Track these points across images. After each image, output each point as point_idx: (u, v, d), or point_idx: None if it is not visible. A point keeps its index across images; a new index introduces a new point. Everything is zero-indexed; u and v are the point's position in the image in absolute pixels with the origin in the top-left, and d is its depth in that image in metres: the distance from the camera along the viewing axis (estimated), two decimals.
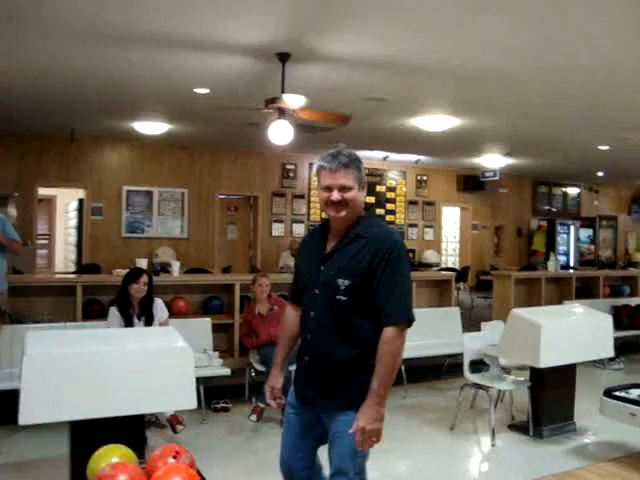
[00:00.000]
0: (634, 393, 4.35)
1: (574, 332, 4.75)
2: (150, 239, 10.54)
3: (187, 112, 7.97)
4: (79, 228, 10.90)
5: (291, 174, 12.07)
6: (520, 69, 5.75)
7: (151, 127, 8.64)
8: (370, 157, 11.96)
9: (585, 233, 15.18)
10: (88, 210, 10.19)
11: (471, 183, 13.63)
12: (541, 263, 13.77)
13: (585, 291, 9.12)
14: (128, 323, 4.68)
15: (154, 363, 3.00)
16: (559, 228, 14.39)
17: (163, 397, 3.08)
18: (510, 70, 5.79)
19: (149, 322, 4.78)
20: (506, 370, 5.23)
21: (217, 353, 5.45)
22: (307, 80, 6.02)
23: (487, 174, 12.90)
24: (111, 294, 5.81)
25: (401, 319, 2.39)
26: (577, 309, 5.32)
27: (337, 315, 2.43)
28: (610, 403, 4.27)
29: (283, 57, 5.37)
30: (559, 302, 8.54)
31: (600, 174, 13.79)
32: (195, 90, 6.69)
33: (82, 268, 9.08)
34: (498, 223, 14.54)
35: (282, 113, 5.51)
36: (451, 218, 14.78)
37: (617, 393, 4.33)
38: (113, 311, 4.75)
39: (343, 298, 2.40)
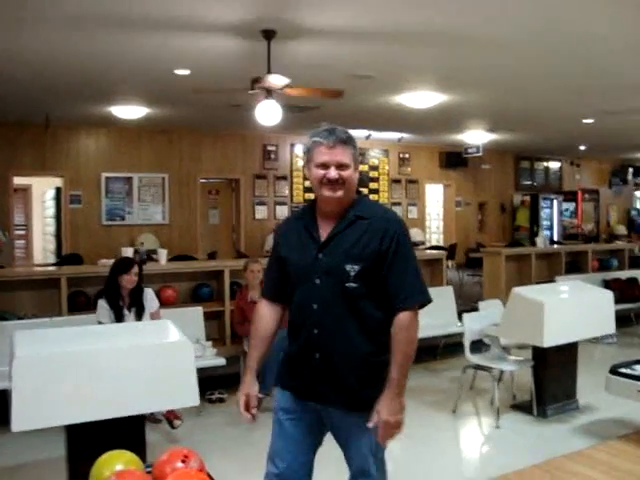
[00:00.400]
0: None
1: (576, 309, 4.67)
2: (131, 226, 10.29)
3: (167, 95, 7.71)
4: (57, 217, 10.62)
5: (272, 155, 11.85)
6: (506, 38, 5.55)
7: (129, 111, 8.37)
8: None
9: (567, 207, 15.19)
10: (66, 198, 9.91)
11: (454, 160, 13.53)
12: (525, 239, 13.78)
13: (574, 265, 9.10)
14: (118, 315, 4.51)
15: (153, 359, 2.83)
16: (542, 203, 14.37)
17: (163, 395, 2.92)
18: (496, 40, 5.58)
19: (140, 313, 4.61)
20: (506, 349, 5.15)
21: (210, 343, 5.30)
22: (293, 58, 5.82)
23: (470, 150, 12.80)
24: (97, 285, 5.62)
25: (419, 301, 2.27)
26: (577, 286, 5.24)
27: (348, 305, 2.24)
28: (617, 380, 4.19)
29: (268, 34, 5.16)
30: (550, 278, 8.51)
31: (582, 148, 13.76)
32: (175, 71, 6.45)
33: (64, 259, 8.83)
34: (481, 199, 14.48)
35: (269, 93, 5.32)
36: (434, 195, 14.69)
37: (623, 370, 4.25)
38: (102, 303, 4.57)
39: (354, 285, 2.22)
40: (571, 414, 4.83)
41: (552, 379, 4.76)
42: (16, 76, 6.61)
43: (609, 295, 4.89)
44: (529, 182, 15.08)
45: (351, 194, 2.30)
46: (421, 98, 8.03)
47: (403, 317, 2.22)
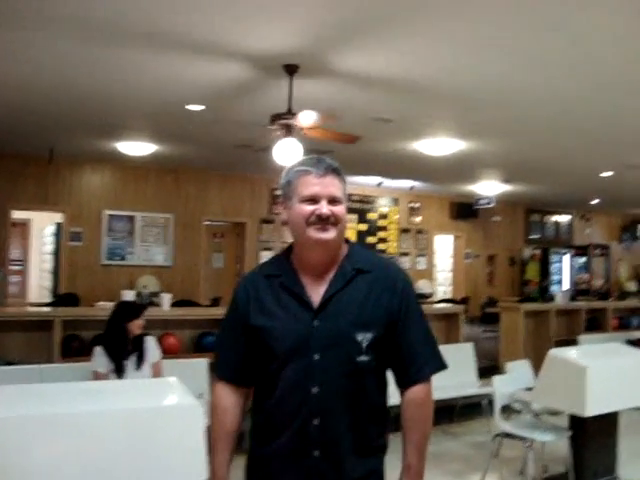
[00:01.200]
0: None
1: (620, 374, 4.24)
2: (132, 267, 9.89)
3: (177, 132, 7.42)
4: (56, 254, 10.23)
5: (280, 200, 11.51)
6: (528, 88, 5.39)
7: (136, 148, 8.08)
8: (362, 183, 11.56)
9: (578, 262, 14.83)
10: (66, 235, 9.53)
11: (464, 211, 13.24)
12: (535, 293, 13.39)
13: (593, 323, 8.70)
14: (118, 365, 4.09)
15: (157, 426, 2.40)
16: (553, 257, 14.02)
17: (166, 469, 2.48)
18: (518, 90, 5.44)
19: (139, 363, 4.19)
20: (537, 415, 4.71)
21: None
22: (311, 97, 5.53)
23: (481, 201, 12.53)
24: (93, 330, 5.22)
25: (435, 370, 1.87)
26: (616, 348, 4.84)
27: (357, 384, 1.79)
28: None
29: (291, 69, 4.89)
30: (569, 336, 8.12)
31: (594, 202, 13.49)
32: (187, 107, 6.17)
33: (60, 298, 8.41)
34: (491, 252, 14.13)
35: (289, 131, 5.00)
36: (443, 247, 14.35)
37: None
38: (99, 351, 4.15)
39: (365, 358, 1.78)
40: None
41: (592, 451, 4.31)
42: (21, 107, 6.34)
43: None
44: (539, 235, 14.76)
45: (342, 240, 1.87)
46: (439, 145, 7.76)
47: (419, 391, 1.84)
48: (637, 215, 15.73)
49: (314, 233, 1.78)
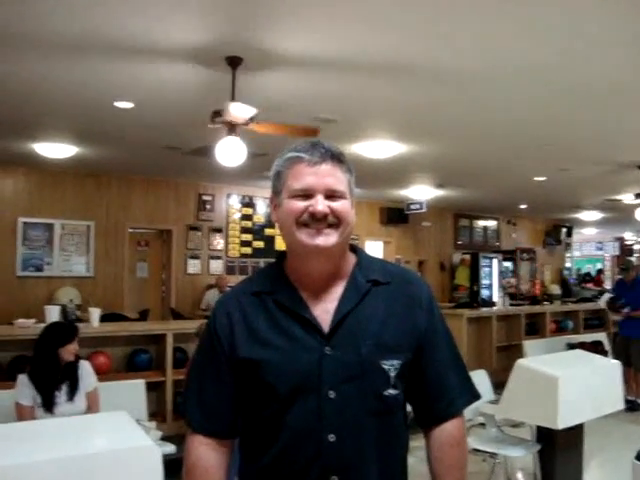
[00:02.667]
0: None
1: (587, 384, 4.07)
2: (50, 278, 9.13)
3: (102, 132, 6.84)
4: None
5: (208, 206, 11.03)
6: (474, 86, 5.22)
7: (55, 149, 7.41)
8: None
9: (507, 266, 15.00)
10: None
11: (395, 216, 13.11)
12: (465, 298, 13.40)
13: (532, 327, 8.67)
14: (46, 397, 3.55)
15: (110, 473, 1.98)
16: (482, 261, 14.09)
17: None
18: (464, 86, 5.23)
19: (72, 392, 3.67)
20: (499, 428, 4.49)
21: (154, 424, 4.39)
22: (256, 94, 5.15)
23: (413, 207, 12.44)
24: (12, 351, 4.66)
25: (470, 402, 1.56)
26: (579, 355, 4.69)
27: (384, 425, 1.43)
28: None
29: (234, 62, 4.49)
30: (510, 341, 8.05)
31: (523, 207, 13.68)
32: (116, 104, 5.65)
33: None
34: (421, 257, 14.07)
35: (232, 129, 4.60)
36: (373, 252, 14.18)
37: None
38: (23, 380, 3.59)
39: (394, 392, 1.43)
40: None
41: (561, 464, 4.12)
42: None
43: (617, 367, 4.34)
44: (468, 240, 14.84)
45: (346, 246, 1.50)
46: (378, 148, 7.53)
47: (452, 428, 1.51)
48: (560, 219, 16.11)
49: (306, 238, 1.41)
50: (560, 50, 4.36)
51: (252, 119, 4.55)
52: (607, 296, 7.36)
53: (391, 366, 1.42)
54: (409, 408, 1.54)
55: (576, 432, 4.16)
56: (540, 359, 4.42)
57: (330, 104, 5.79)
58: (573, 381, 3.91)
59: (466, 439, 1.55)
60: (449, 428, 1.50)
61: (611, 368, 4.32)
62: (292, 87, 5.18)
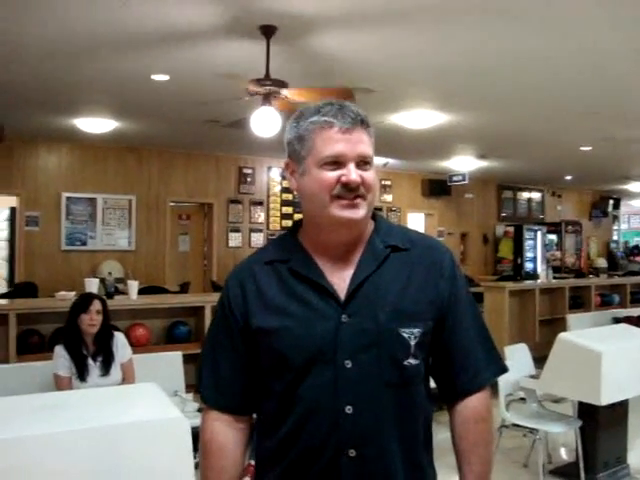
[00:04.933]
0: None
1: (633, 359, 3.94)
2: (93, 252, 9.30)
3: (140, 105, 6.86)
4: (11, 241, 9.55)
5: (249, 179, 11.03)
6: (515, 57, 5.09)
7: (96, 124, 7.48)
8: None
9: (551, 239, 14.68)
10: (22, 220, 8.88)
11: (437, 188, 12.92)
12: (509, 271, 13.18)
13: (576, 301, 8.46)
14: (80, 367, 3.60)
15: (136, 445, 1.97)
16: (526, 234, 13.80)
17: None
18: (504, 59, 5.14)
19: (107, 364, 3.71)
20: (540, 403, 4.40)
21: (191, 395, 4.41)
22: (290, 64, 5.07)
23: (455, 178, 12.21)
24: (54, 323, 4.75)
25: (496, 375, 1.49)
26: (625, 330, 4.54)
27: (405, 398, 1.37)
28: None
29: (268, 30, 4.41)
30: (553, 314, 7.88)
31: (568, 178, 13.32)
32: (153, 77, 5.64)
33: (17, 288, 7.82)
34: (463, 230, 13.86)
35: (267, 98, 4.54)
36: (415, 225, 14.03)
37: None
38: (60, 351, 3.65)
39: (415, 362, 1.37)
40: None
41: (603, 441, 4.02)
42: None
43: None
44: (511, 212, 14.55)
45: (370, 215, 1.43)
46: (418, 118, 7.37)
47: (477, 403, 1.43)
48: (606, 192, 15.65)
49: (340, 211, 1.34)
50: (610, 14, 4.17)
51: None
52: None
53: (411, 334, 1.35)
54: (433, 384, 1.48)
55: (620, 409, 4.05)
56: (583, 333, 4.29)
57: (369, 72, 5.65)
58: (617, 356, 3.79)
59: (492, 415, 1.48)
60: (474, 402, 1.43)
61: None
62: (328, 54, 5.06)
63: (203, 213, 10.90)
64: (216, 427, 1.45)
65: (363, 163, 1.35)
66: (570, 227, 15.05)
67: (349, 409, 1.32)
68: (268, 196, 11.21)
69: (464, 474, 1.43)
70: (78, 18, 4.26)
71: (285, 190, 11.31)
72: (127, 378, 3.81)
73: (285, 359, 1.36)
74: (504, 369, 1.49)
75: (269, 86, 4.40)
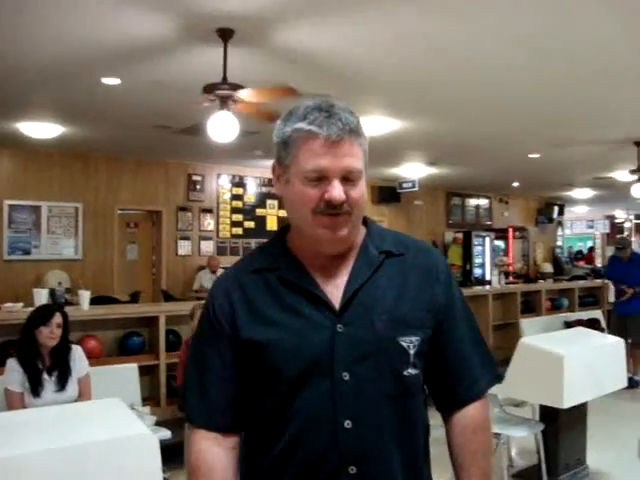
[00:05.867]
0: None
1: (593, 362, 3.99)
2: (38, 262, 8.96)
3: (89, 110, 6.64)
4: None
5: (198, 186, 10.86)
6: (462, 70, 5.19)
7: (41, 129, 7.21)
8: None
9: (499, 245, 14.95)
10: None
11: (387, 195, 12.97)
12: (457, 278, 13.34)
13: (527, 306, 8.61)
14: (34, 382, 3.42)
15: (107, 463, 1.86)
16: (474, 240, 14.01)
17: None
18: (452, 70, 5.21)
19: (63, 379, 3.54)
20: (502, 408, 4.41)
21: (148, 409, 4.28)
22: (247, 68, 4.99)
23: (405, 185, 12.31)
24: (1, 336, 4.52)
25: (493, 382, 1.43)
26: (584, 333, 4.60)
27: (405, 410, 1.32)
28: None
29: (225, 34, 4.32)
30: (506, 319, 7.99)
31: (515, 185, 13.58)
32: (103, 80, 5.47)
33: None
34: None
35: (224, 103, 4.44)
36: None
37: None
38: (12, 365, 3.46)
39: (414, 372, 1.31)
40: None
41: (565, 443, 4.06)
42: None
43: (621, 345, 4.26)
44: (460, 219, 14.75)
45: (359, 223, 1.36)
46: (371, 124, 7.38)
47: (475, 412, 1.38)
48: (552, 198, 16.03)
49: (324, 231, 1.27)
50: (557, 27, 4.26)
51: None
52: (612, 290, 7.26)
53: (410, 343, 1.29)
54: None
55: (580, 411, 4.10)
56: (543, 337, 4.34)
57: (322, 78, 5.62)
58: (578, 359, 3.83)
59: (490, 423, 1.43)
60: (471, 412, 1.38)
61: (614, 346, 4.24)
62: (284, 61, 5.01)
63: (152, 221, 10.67)
64: (205, 447, 1.34)
65: (350, 177, 1.26)
66: (517, 233, 15.34)
67: (348, 423, 1.25)
68: (218, 204, 11.06)
69: None
70: (26, 20, 4.09)
71: (235, 197, 11.20)
72: (83, 394, 3.64)
73: (278, 372, 1.28)
74: (499, 377, 1.46)
75: (226, 90, 4.29)
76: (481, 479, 1.37)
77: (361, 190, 1.29)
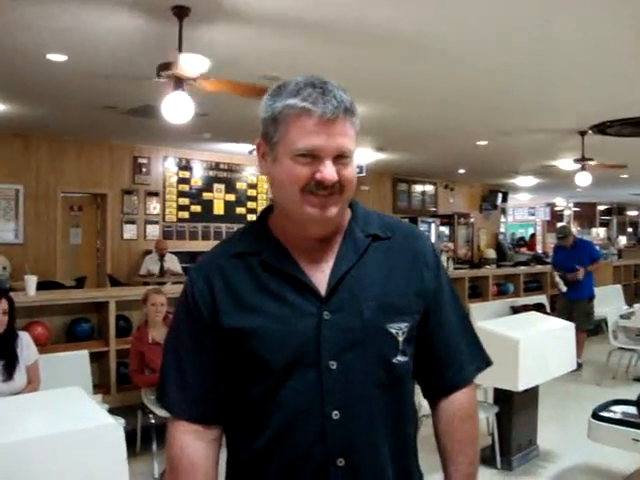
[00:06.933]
0: (621, 412, 3.75)
1: (545, 346, 4.09)
2: None
3: (31, 88, 6.38)
4: None
5: (144, 169, 10.62)
6: (419, 47, 5.09)
7: None
8: (231, 151, 10.92)
9: (444, 230, 15.17)
10: None
11: None
12: None
13: (475, 291, 8.76)
14: None
15: (74, 454, 1.79)
16: (421, 226, 14.17)
17: None
18: (409, 47, 5.09)
19: (11, 368, 3.41)
20: None
21: (100, 397, 4.16)
22: (201, 48, 4.85)
23: None
24: None
25: (481, 368, 1.41)
26: (532, 317, 4.70)
27: (395, 399, 1.28)
28: (606, 428, 3.61)
29: (181, 12, 4.20)
30: None
31: (461, 171, 13.77)
32: (48, 56, 5.25)
33: None
34: None
35: (179, 83, 4.32)
36: None
37: (607, 415, 3.69)
38: None
39: (403, 359, 1.28)
40: (535, 463, 4.27)
41: (518, 425, 4.15)
42: None
43: (571, 329, 4.37)
44: (406, 205, 14.89)
45: (347, 204, 1.31)
46: None
47: (462, 399, 1.36)
48: (496, 185, 16.34)
49: (313, 210, 1.21)
50: (507, 17, 4.29)
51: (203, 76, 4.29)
52: (561, 281, 7.41)
53: (399, 329, 1.26)
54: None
55: (532, 393, 4.19)
56: (497, 322, 4.41)
57: (277, 62, 5.53)
58: (532, 343, 3.91)
59: (477, 411, 1.42)
60: (459, 399, 1.36)
61: (565, 330, 4.35)
62: (241, 42, 4.91)
63: (96, 204, 10.39)
64: (186, 442, 1.28)
65: (342, 157, 1.22)
66: (461, 219, 15.60)
67: (336, 414, 1.21)
68: (164, 187, 10.85)
69: (450, 475, 1.36)
70: None
71: (182, 181, 11.03)
72: (32, 381, 3.52)
73: (263, 362, 1.22)
74: (488, 362, 1.43)
75: (183, 72, 4.17)
76: (468, 467, 1.35)
77: (352, 170, 1.25)
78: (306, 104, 1.19)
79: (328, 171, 1.19)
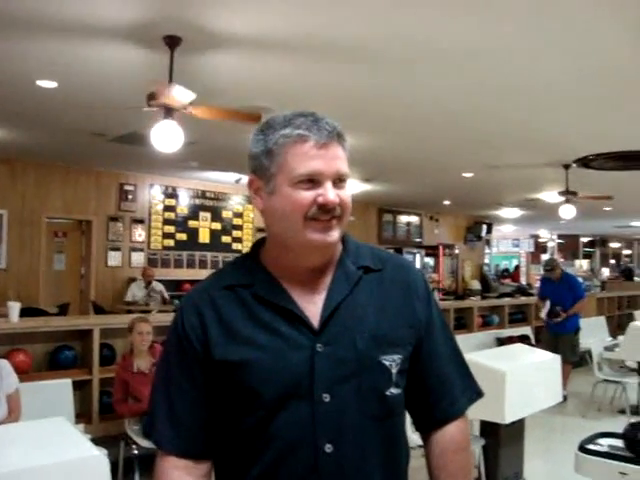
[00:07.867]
0: (607, 444, 3.73)
1: (532, 378, 4.08)
2: None
3: (19, 114, 6.38)
4: None
5: (130, 196, 10.60)
6: (401, 89, 5.25)
7: None
8: (217, 180, 10.93)
9: (428, 261, 15.22)
10: None
11: None
12: None
13: (460, 322, 8.76)
14: None
15: None
16: (406, 257, 14.20)
17: None
18: (394, 91, 5.31)
19: None
20: None
21: (82, 427, 4.09)
22: (192, 77, 4.89)
23: None
24: None
25: (473, 400, 1.41)
26: (519, 349, 4.71)
27: (388, 432, 1.28)
28: (593, 461, 3.59)
29: (173, 42, 4.23)
30: None
31: (446, 203, 13.87)
32: (38, 83, 5.26)
33: None
34: None
35: (169, 112, 4.34)
36: None
37: (595, 448, 3.68)
38: None
39: (396, 391, 1.28)
40: None
41: (504, 457, 4.12)
42: None
43: (557, 361, 4.37)
44: (391, 235, 14.95)
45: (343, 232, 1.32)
46: None
47: (455, 432, 1.35)
48: (480, 217, 16.47)
49: (316, 235, 1.21)
50: (495, 49, 4.38)
51: (190, 103, 4.31)
52: (546, 308, 7.41)
53: (392, 361, 1.25)
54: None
55: (518, 425, 4.17)
56: (483, 354, 4.41)
57: (267, 91, 5.59)
58: (518, 375, 3.90)
59: (470, 443, 1.42)
60: (452, 431, 1.35)
61: (551, 362, 4.35)
62: (231, 71, 4.96)
63: (81, 230, 10.33)
64: (175, 476, 1.25)
65: (339, 181, 1.23)
66: (446, 250, 15.67)
67: (329, 447, 1.20)
68: (150, 214, 10.83)
69: None
70: None
71: (167, 209, 11.01)
72: (13, 411, 3.45)
73: (255, 395, 1.21)
74: (480, 393, 1.43)
75: (174, 100, 4.19)
76: None
77: (349, 195, 1.26)
78: (301, 131, 1.21)
79: (330, 193, 1.20)
